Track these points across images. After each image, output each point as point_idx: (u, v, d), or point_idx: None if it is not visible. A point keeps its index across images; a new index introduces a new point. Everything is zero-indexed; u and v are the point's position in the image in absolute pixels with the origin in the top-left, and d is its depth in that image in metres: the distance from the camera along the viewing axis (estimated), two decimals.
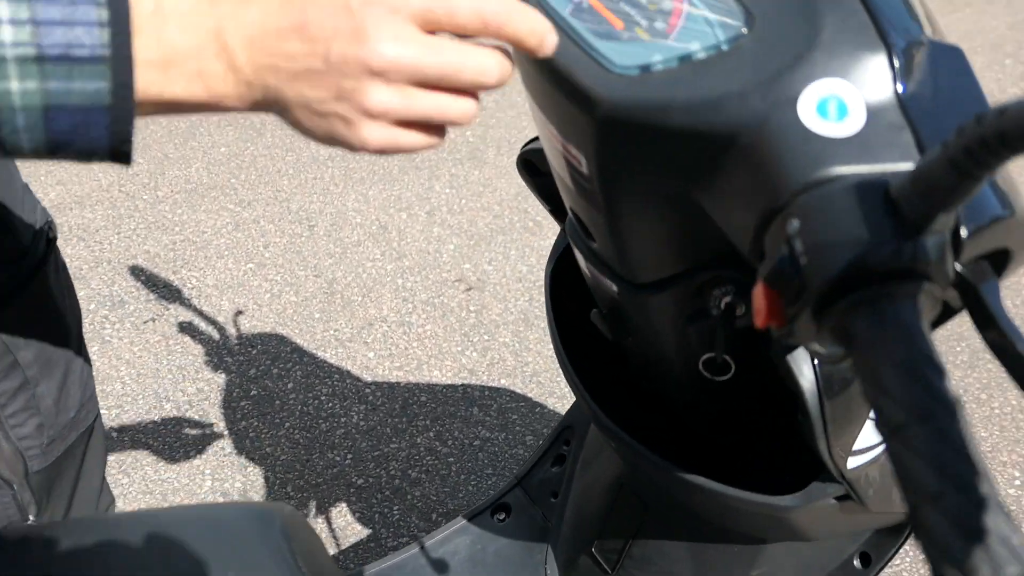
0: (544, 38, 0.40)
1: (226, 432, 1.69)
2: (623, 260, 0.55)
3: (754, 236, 0.39)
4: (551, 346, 1.85)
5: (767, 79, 0.38)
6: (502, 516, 1.07)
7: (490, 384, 1.77)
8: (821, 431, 0.51)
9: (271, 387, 1.76)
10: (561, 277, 0.76)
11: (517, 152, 0.73)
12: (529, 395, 1.74)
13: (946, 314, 0.42)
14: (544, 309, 1.90)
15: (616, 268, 0.56)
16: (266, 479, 1.60)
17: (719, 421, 0.72)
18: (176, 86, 0.38)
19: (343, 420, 1.70)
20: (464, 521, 1.06)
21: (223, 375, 1.80)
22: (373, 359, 1.83)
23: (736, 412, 0.69)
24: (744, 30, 0.40)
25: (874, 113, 0.37)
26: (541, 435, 1.66)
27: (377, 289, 2.01)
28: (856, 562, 0.82)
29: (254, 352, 1.84)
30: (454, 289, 2.01)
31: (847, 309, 0.32)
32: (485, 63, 0.39)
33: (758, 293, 0.36)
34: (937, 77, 0.39)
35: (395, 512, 1.54)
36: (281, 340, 1.88)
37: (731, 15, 0.41)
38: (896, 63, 0.38)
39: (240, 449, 1.65)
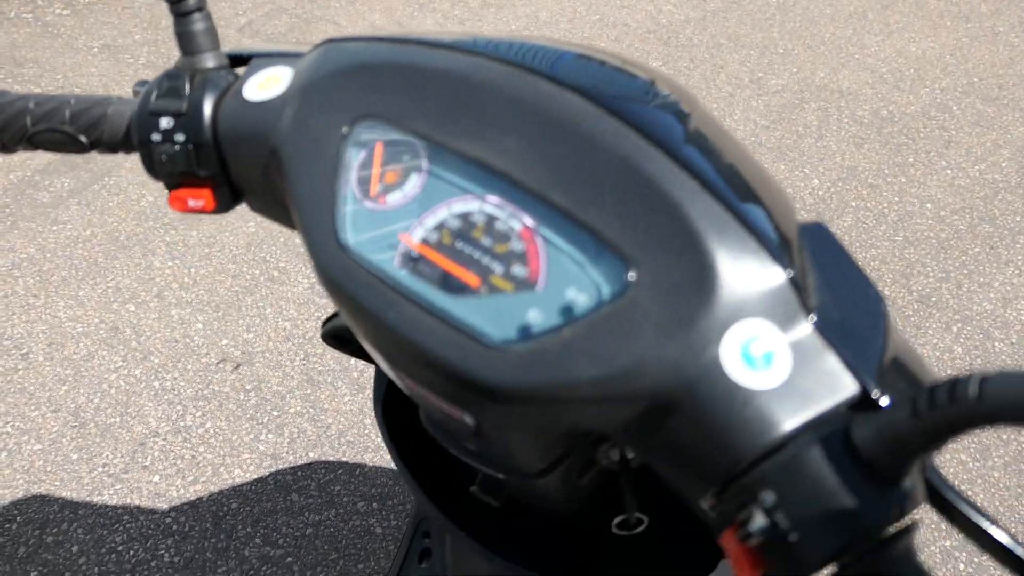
0: None
1: None
2: (508, 463, 0.52)
3: (712, 504, 0.36)
4: (348, 400, 1.77)
5: (680, 334, 0.35)
6: None
7: (299, 463, 1.67)
8: None
9: (52, 559, 1.52)
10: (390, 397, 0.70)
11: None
12: (344, 459, 1.67)
13: None
14: (331, 352, 1.79)
15: (500, 464, 0.53)
16: None
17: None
18: None
19: (153, 564, 1.52)
20: None
21: None
22: (160, 483, 1.64)
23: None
24: (631, 275, 0.36)
25: (797, 348, 0.35)
26: (373, 498, 1.60)
27: (134, 402, 1.79)
28: None
29: (15, 527, 1.57)
30: (221, 372, 1.84)
31: None
32: None
33: (737, 554, 0.35)
34: (827, 275, 0.38)
35: None
36: (42, 501, 1.62)
37: (595, 253, 0.37)
38: (798, 280, 0.36)
39: None
